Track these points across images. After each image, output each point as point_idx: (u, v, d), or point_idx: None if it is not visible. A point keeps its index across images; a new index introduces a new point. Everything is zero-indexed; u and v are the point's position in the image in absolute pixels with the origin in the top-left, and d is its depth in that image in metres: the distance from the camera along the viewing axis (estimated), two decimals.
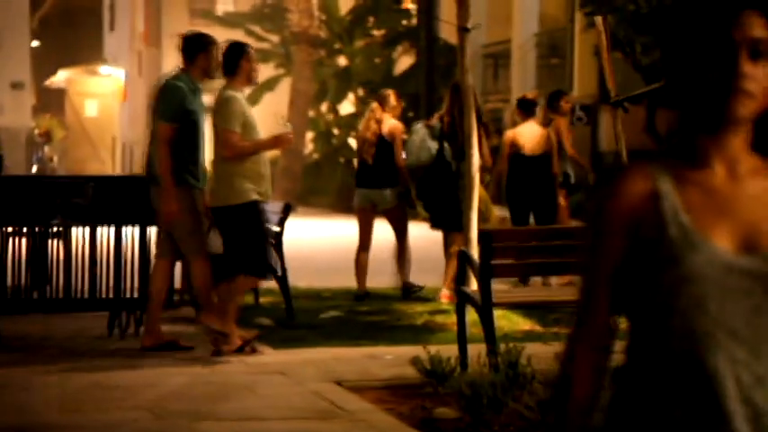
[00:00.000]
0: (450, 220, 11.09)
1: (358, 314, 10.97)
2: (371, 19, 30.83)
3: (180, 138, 9.03)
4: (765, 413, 2.22)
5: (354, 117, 29.88)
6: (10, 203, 10.71)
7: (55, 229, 10.91)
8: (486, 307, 8.04)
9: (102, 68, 43.24)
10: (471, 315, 8.44)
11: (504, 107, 27.24)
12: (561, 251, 8.45)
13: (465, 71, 10.35)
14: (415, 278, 11.88)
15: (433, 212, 11.57)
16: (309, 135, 30.91)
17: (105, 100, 42.59)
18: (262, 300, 11.23)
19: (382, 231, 12.26)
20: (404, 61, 30.43)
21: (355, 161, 30.56)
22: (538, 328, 10.08)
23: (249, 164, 9.01)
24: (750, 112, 2.27)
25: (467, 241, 9.91)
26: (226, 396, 7.71)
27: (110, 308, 10.18)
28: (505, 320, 9.75)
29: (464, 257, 8.87)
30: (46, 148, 38.57)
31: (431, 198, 11.50)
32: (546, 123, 12.39)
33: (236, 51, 9.20)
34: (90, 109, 42.60)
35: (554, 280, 11.51)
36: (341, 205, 26.95)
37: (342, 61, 31.27)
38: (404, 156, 11.77)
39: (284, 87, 30.67)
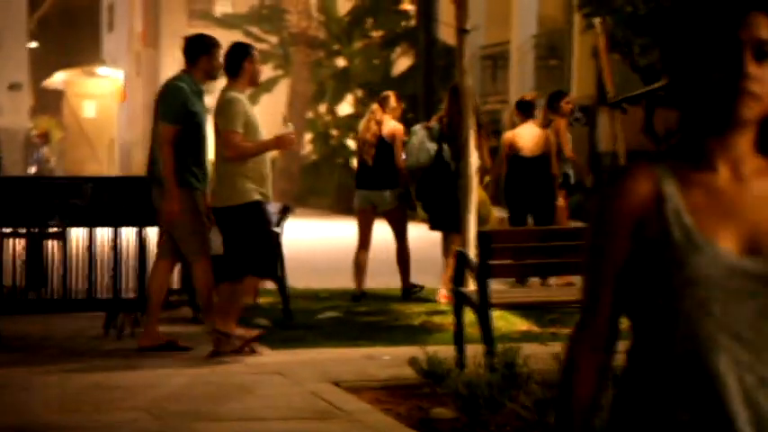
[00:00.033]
0: (449, 221, 11.10)
1: (356, 315, 10.98)
2: (370, 20, 30.85)
3: (182, 139, 9.04)
4: None
5: (353, 118, 29.89)
6: (7, 204, 10.71)
7: (52, 229, 10.91)
8: (483, 307, 8.05)
9: (101, 69, 43.23)
10: (469, 315, 8.45)
11: (503, 108, 27.25)
12: (559, 252, 8.46)
13: (463, 72, 10.37)
14: (414, 279, 11.89)
15: (432, 213, 11.58)
16: (308, 136, 30.92)
17: (103, 101, 42.58)
18: (260, 300, 11.24)
19: (381, 232, 12.27)
20: (402, 62, 30.45)
21: (354, 162, 30.43)
22: (535, 328, 10.09)
23: (251, 164, 9.02)
24: (755, 113, 2.26)
25: (464, 242, 9.92)
26: (224, 396, 7.71)
27: (107, 308, 10.18)
28: (503, 321, 9.76)
29: (462, 258, 8.88)
30: (44, 149, 38.56)
31: (430, 199, 11.51)
32: (546, 124, 12.40)
33: (240, 52, 9.20)
34: (88, 110, 42.59)
35: (553, 280, 11.53)
36: (339, 206, 26.96)
37: (340, 62, 31.28)
38: (403, 157, 11.78)
39: (282, 88, 30.69)
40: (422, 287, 11.79)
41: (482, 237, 8.47)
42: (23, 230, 10.93)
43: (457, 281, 8.80)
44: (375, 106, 12.17)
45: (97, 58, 45.16)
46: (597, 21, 10.42)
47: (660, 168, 2.29)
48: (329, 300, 11.79)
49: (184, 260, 9.55)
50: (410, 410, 7.27)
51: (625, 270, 2.28)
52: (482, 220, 10.94)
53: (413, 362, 7.76)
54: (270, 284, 10.46)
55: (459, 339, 8.33)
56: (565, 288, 11.04)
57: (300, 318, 10.64)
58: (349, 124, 29.69)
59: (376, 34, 30.96)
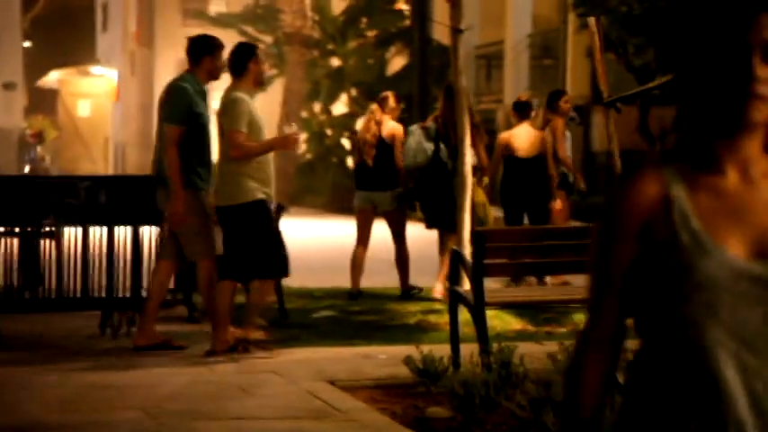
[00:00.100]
0: (446, 220, 11.10)
1: (351, 314, 10.99)
2: (365, 20, 30.84)
3: (187, 140, 9.05)
4: None
5: (347, 117, 29.91)
6: (2, 203, 10.72)
7: (47, 228, 10.91)
8: (478, 306, 8.06)
9: (95, 69, 43.22)
10: (464, 315, 8.46)
11: (497, 108, 27.26)
12: (553, 251, 8.48)
13: (458, 72, 10.37)
14: (411, 278, 11.89)
15: (428, 212, 11.59)
16: (302, 135, 30.90)
17: (98, 100, 42.57)
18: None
19: (380, 231, 12.26)
20: (397, 62, 30.44)
21: (349, 161, 30.22)
22: (530, 327, 10.10)
23: (255, 164, 9.04)
24: (765, 116, 2.24)
25: (460, 241, 9.93)
26: (220, 395, 7.71)
27: (102, 307, 10.18)
28: (498, 320, 9.77)
29: (457, 257, 8.89)
30: (38, 149, 38.53)
31: (427, 198, 11.52)
32: (545, 123, 12.41)
33: (245, 53, 9.23)
34: (82, 109, 42.58)
35: (549, 279, 11.54)
36: (334, 205, 26.97)
37: (335, 62, 31.28)
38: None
39: (277, 88, 30.68)
40: (421, 289, 11.79)
41: (477, 236, 8.48)
42: (18, 230, 10.93)
43: (452, 280, 8.81)
44: (374, 106, 12.16)
45: (91, 57, 45.12)
46: (592, 20, 10.41)
47: (668, 171, 2.27)
48: (324, 299, 11.80)
49: (182, 260, 9.55)
50: (405, 409, 7.28)
51: (631, 273, 2.27)
52: (480, 222, 10.95)
53: (408, 361, 7.76)
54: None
55: (455, 338, 8.34)
56: (560, 287, 11.06)
57: (296, 317, 10.65)
58: (344, 124, 29.69)
59: (370, 34, 30.96)
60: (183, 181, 9.00)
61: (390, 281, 12.06)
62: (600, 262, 2.31)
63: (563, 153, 12.58)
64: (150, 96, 38.74)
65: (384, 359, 8.78)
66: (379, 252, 12.27)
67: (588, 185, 13.77)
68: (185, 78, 9.25)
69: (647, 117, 14.48)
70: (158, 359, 8.85)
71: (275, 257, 9.06)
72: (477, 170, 11.11)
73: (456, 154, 10.69)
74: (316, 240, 18.79)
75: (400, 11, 30.58)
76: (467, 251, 9.29)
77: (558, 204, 12.22)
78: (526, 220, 12.22)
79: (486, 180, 11.75)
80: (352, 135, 28.57)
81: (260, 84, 9.37)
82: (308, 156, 30.89)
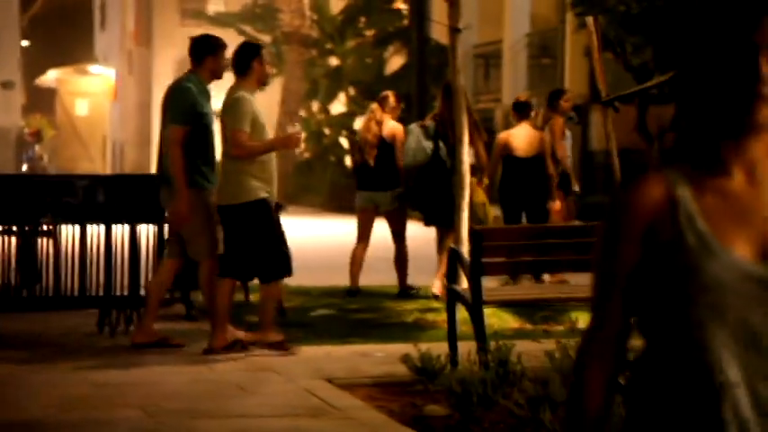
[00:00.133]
0: (446, 218, 11.11)
1: (348, 312, 11.00)
2: (363, 19, 30.86)
3: (191, 139, 9.06)
4: None
5: (345, 117, 29.93)
6: (0, 202, 10.71)
7: (44, 227, 10.91)
8: (476, 305, 8.06)
9: (93, 68, 43.24)
10: (461, 313, 8.46)
11: (496, 107, 27.27)
12: (551, 249, 8.48)
13: (456, 71, 10.37)
14: (409, 277, 11.89)
15: (427, 210, 11.59)
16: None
17: (96, 99, 42.59)
18: (252, 297, 11.24)
19: (379, 230, 12.27)
20: (395, 61, 30.46)
21: (347, 160, 30.14)
22: (528, 325, 10.10)
23: (258, 164, 9.06)
24: None
25: (458, 239, 9.93)
26: (218, 394, 7.72)
27: (100, 306, 10.19)
28: (495, 318, 9.77)
29: (454, 255, 8.90)
30: (36, 147, 38.54)
31: (426, 195, 11.51)
32: (546, 122, 12.42)
33: (250, 52, 9.25)
34: (80, 108, 42.60)
35: (547, 278, 11.54)
36: (332, 204, 26.99)
37: (333, 61, 31.29)
38: None
39: (275, 87, 30.68)
40: (419, 289, 11.79)
41: (474, 234, 8.48)
42: (15, 228, 10.93)
43: (450, 278, 8.82)
44: (375, 106, 12.15)
45: (90, 56, 45.14)
46: (590, 20, 10.42)
47: (674, 173, 2.26)
48: (322, 297, 11.80)
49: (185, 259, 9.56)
50: (403, 407, 7.29)
51: (637, 277, 2.26)
52: (480, 222, 10.95)
53: (406, 359, 7.77)
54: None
55: (452, 337, 8.34)
56: (557, 286, 11.06)
57: (293, 315, 10.65)
58: (342, 123, 29.72)
59: (369, 33, 30.97)
60: (187, 180, 9.01)
61: (388, 279, 12.06)
62: (605, 262, 2.30)
63: (561, 152, 12.59)
64: (148, 95, 38.76)
65: (382, 357, 8.79)
66: (378, 250, 12.28)
67: (587, 184, 13.78)
68: (188, 78, 9.26)
69: (646, 116, 14.48)
70: (157, 357, 8.86)
71: (278, 257, 9.06)
72: (476, 169, 11.11)
73: (455, 153, 10.69)
74: (313, 239, 18.79)
75: (398, 10, 30.59)
76: (464, 250, 9.29)
77: (556, 205, 12.22)
78: (524, 220, 12.22)
79: (486, 181, 11.76)
80: (350, 135, 28.67)
81: (263, 83, 9.39)
82: (306, 155, 30.91)
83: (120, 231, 10.67)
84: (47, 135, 41.38)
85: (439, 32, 21.36)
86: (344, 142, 29.62)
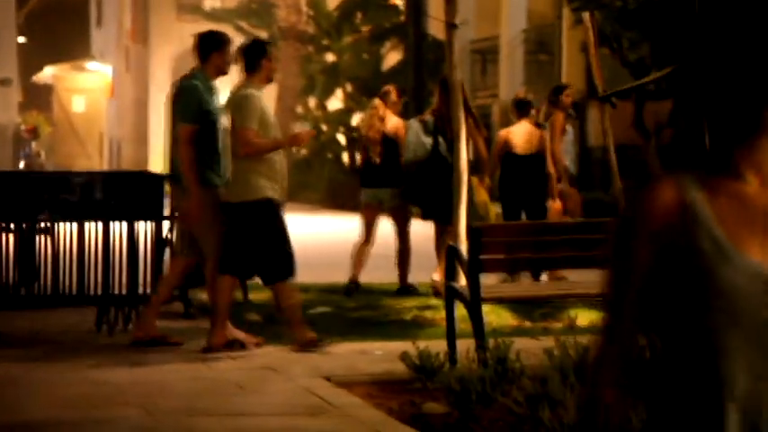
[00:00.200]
0: (444, 213, 11.09)
1: (347, 310, 10.99)
2: (359, 15, 30.83)
3: (200, 138, 9.06)
4: None
5: (343, 113, 29.90)
6: None
7: (42, 224, 10.90)
8: (474, 302, 8.06)
9: (90, 64, 43.20)
10: (460, 310, 8.45)
11: (493, 103, 27.27)
12: (550, 246, 8.48)
13: (453, 67, 10.37)
14: (408, 273, 11.89)
15: (425, 204, 11.58)
16: (298, 129, 30.91)
17: (93, 96, 42.55)
18: (251, 296, 11.23)
19: (381, 227, 12.25)
20: (392, 57, 30.43)
21: (345, 157, 30.08)
22: (526, 323, 10.10)
23: (267, 162, 9.07)
24: None
25: (456, 236, 9.93)
26: (216, 392, 7.72)
27: (98, 304, 10.18)
28: (494, 315, 9.77)
29: (453, 253, 8.89)
30: (33, 144, 38.51)
31: (425, 190, 11.49)
32: (547, 118, 12.42)
33: (258, 50, 9.30)
34: (77, 105, 42.56)
35: (545, 277, 11.53)
36: (329, 201, 26.97)
37: (330, 57, 31.26)
38: None
39: (272, 83, 30.67)
40: (418, 287, 11.77)
41: (473, 231, 8.48)
42: (13, 226, 10.92)
43: (448, 275, 8.81)
44: (377, 102, 12.10)
45: (86, 53, 45.09)
46: (586, 15, 10.42)
47: (687, 178, 2.26)
48: (320, 295, 11.79)
49: (176, 257, 9.54)
50: (402, 405, 7.28)
51: (650, 283, 2.25)
52: (480, 220, 10.94)
53: (404, 357, 7.77)
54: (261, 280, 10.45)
55: (451, 334, 8.34)
56: (556, 283, 11.06)
57: None
58: (339, 119, 29.68)
59: (365, 29, 30.94)
60: (198, 179, 9.02)
61: (387, 276, 12.05)
62: (618, 264, 2.29)
63: (557, 149, 12.58)
64: (145, 92, 38.72)
65: (380, 355, 8.78)
66: (378, 247, 12.26)
67: (584, 181, 13.77)
68: (195, 76, 9.28)
69: (643, 112, 14.49)
70: (155, 356, 8.85)
71: (282, 258, 9.05)
72: (475, 166, 11.09)
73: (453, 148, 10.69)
74: (311, 236, 18.77)
75: (395, 6, 30.57)
76: (463, 247, 9.29)
77: (556, 204, 12.21)
78: (524, 217, 12.21)
79: (487, 181, 11.75)
80: (349, 131, 28.64)
81: (270, 80, 9.46)
82: (304, 152, 30.89)
83: (118, 228, 10.65)
84: (44, 132, 41.35)
85: (436, 28, 21.35)
86: (342, 139, 29.60)
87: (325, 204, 26.68)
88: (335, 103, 30.86)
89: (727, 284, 2.19)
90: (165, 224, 10.47)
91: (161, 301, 9.38)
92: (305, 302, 11.31)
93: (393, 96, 12.07)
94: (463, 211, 10.16)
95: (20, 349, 9.20)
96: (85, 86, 42.41)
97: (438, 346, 8.04)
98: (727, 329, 2.19)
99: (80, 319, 10.17)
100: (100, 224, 10.66)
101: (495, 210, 12.00)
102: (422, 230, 12.17)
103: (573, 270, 10.18)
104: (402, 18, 28.77)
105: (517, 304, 10.11)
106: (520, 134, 12.16)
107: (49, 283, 10.85)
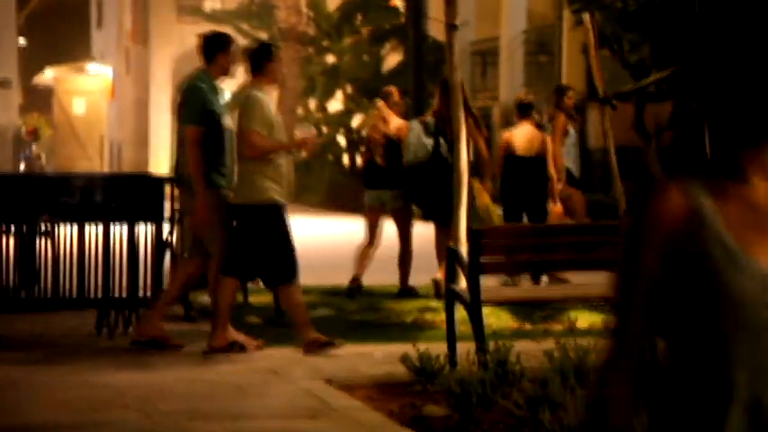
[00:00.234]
0: (446, 214, 11.08)
1: (347, 312, 10.98)
2: (359, 16, 30.82)
3: (206, 139, 9.07)
4: None
5: (343, 114, 29.89)
6: None
7: (43, 227, 10.89)
8: (474, 304, 8.06)
9: (90, 66, 43.18)
10: (460, 313, 8.45)
11: (493, 104, 27.26)
12: (550, 249, 8.47)
13: (453, 68, 10.36)
14: (410, 276, 11.88)
15: (426, 204, 11.57)
16: (298, 133, 30.88)
17: (93, 98, 42.53)
18: (251, 299, 11.23)
19: (384, 230, 12.25)
20: (392, 59, 30.43)
21: (345, 158, 30.10)
22: (527, 325, 10.09)
23: (272, 164, 9.08)
24: None
25: (456, 239, 9.92)
26: (217, 395, 7.71)
27: (98, 306, 10.17)
28: (494, 318, 9.76)
29: (453, 255, 8.89)
30: (34, 146, 38.49)
31: (426, 191, 11.48)
32: (549, 120, 12.41)
33: (266, 53, 9.34)
34: (78, 107, 42.55)
35: (545, 280, 11.52)
36: (330, 203, 26.96)
37: (330, 59, 31.26)
38: None
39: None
40: (419, 289, 11.77)
41: (473, 234, 8.47)
42: (13, 228, 10.91)
43: (449, 278, 8.81)
44: (380, 103, 12.11)
45: (86, 54, 45.08)
46: (587, 17, 10.42)
47: (694, 183, 2.25)
48: (321, 297, 11.78)
49: (176, 258, 9.54)
50: (402, 408, 7.28)
51: (658, 289, 2.24)
52: (481, 222, 10.93)
53: (405, 359, 7.76)
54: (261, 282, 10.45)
55: (451, 337, 8.33)
56: (557, 285, 11.06)
57: None
58: (339, 121, 29.67)
59: (365, 30, 30.94)
60: (206, 181, 9.03)
61: (388, 278, 12.04)
62: (625, 280, 2.27)
63: (557, 150, 12.58)
64: (145, 94, 38.71)
65: (381, 357, 8.78)
66: (379, 249, 12.25)
67: (584, 183, 13.76)
68: (200, 77, 9.30)
69: (643, 114, 14.48)
70: (155, 358, 8.85)
71: (286, 261, 9.05)
72: (476, 167, 11.08)
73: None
74: (312, 238, 18.77)
75: (395, 7, 30.56)
76: (463, 249, 9.29)
77: (557, 207, 12.20)
78: (525, 220, 12.21)
79: (489, 184, 11.75)
80: (349, 133, 28.63)
81: (276, 83, 9.50)
82: (304, 153, 30.87)
83: (119, 231, 10.65)
84: (44, 134, 41.31)
85: (436, 29, 21.35)
86: (342, 140, 29.60)
87: (326, 206, 26.67)
88: (336, 104, 30.85)
89: (736, 289, 2.18)
90: (166, 226, 10.46)
91: (166, 303, 9.38)
92: (306, 304, 11.31)
93: (395, 97, 12.07)
94: (463, 212, 10.15)
95: (20, 352, 9.19)
96: (86, 88, 42.39)
97: (438, 348, 8.04)
98: (736, 334, 2.18)
99: (80, 322, 10.17)
100: (100, 227, 10.65)
101: (498, 212, 11.99)
102: (422, 232, 12.16)
103: (573, 272, 10.18)
104: (402, 19, 28.77)
105: (517, 306, 10.11)
106: (521, 136, 12.15)
107: (49, 285, 10.84)
